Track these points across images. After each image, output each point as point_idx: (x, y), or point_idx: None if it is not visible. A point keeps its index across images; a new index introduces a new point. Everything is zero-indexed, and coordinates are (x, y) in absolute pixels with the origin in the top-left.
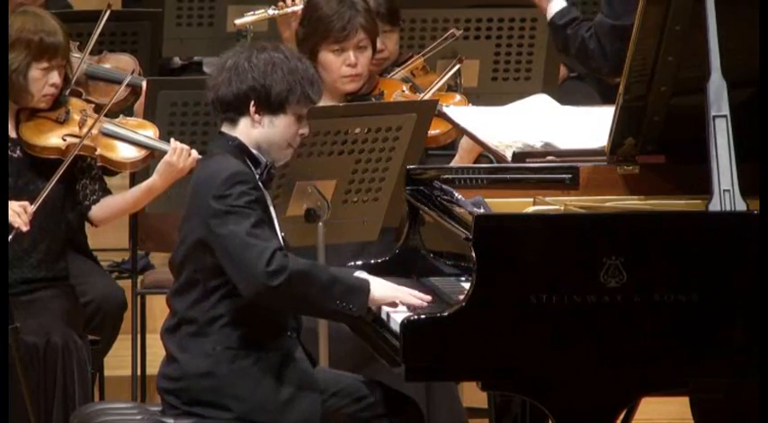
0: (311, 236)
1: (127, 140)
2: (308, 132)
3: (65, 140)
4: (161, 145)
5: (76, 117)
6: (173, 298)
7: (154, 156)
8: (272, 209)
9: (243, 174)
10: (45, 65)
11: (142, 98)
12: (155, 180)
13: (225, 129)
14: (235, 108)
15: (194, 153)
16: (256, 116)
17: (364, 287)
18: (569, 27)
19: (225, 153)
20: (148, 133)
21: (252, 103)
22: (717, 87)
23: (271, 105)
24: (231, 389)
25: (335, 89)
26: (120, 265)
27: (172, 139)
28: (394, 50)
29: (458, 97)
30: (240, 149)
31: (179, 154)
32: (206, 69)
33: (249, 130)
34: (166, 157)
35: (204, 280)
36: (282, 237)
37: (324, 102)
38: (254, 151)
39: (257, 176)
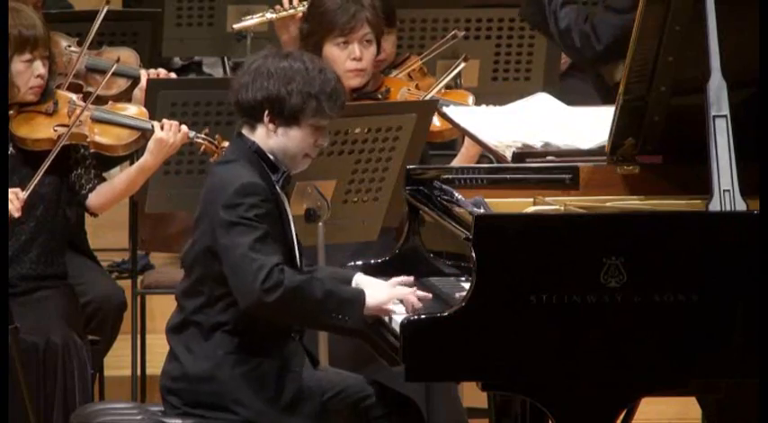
0: (311, 236)
1: (117, 124)
2: (326, 143)
3: (56, 131)
4: (151, 124)
5: (65, 107)
6: (181, 296)
7: (146, 136)
8: (288, 212)
9: (255, 185)
10: (27, 57)
11: (143, 83)
12: (146, 159)
13: (245, 131)
14: (251, 115)
15: (184, 128)
16: (271, 125)
17: (359, 299)
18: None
19: (241, 160)
20: (138, 115)
21: (266, 112)
22: (717, 87)
23: (285, 117)
24: (232, 394)
25: None
26: (120, 265)
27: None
28: (391, 52)
29: (471, 97)
30: (258, 155)
31: (167, 129)
32: (206, 69)
33: (265, 138)
34: (156, 134)
35: (210, 286)
36: (296, 237)
37: None
38: (272, 157)
39: (275, 182)
